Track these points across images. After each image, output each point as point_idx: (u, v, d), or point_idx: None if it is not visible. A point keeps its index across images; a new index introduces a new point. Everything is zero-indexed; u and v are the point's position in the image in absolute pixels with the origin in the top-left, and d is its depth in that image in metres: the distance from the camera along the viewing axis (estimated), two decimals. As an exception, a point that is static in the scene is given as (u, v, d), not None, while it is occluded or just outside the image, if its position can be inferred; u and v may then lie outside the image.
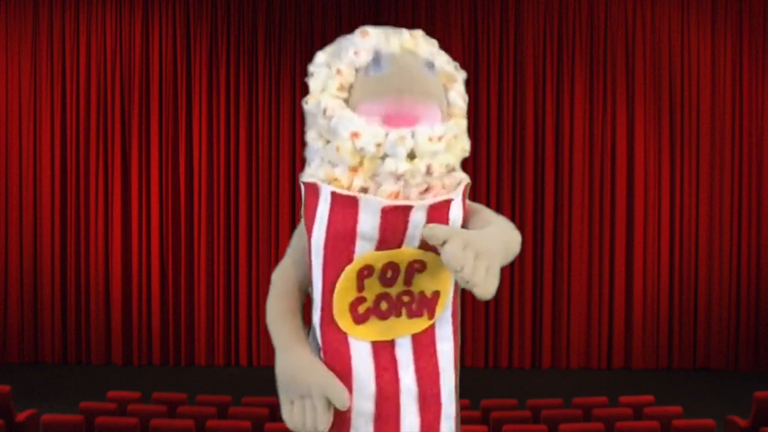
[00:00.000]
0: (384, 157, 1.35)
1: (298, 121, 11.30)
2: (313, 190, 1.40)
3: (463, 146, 1.43)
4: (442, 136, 1.38)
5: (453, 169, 1.42)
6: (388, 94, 1.37)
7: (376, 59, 1.40)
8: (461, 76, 1.48)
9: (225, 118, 11.37)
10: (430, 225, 1.30)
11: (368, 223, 1.36)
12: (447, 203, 1.39)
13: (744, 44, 11.21)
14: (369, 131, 1.35)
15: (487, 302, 11.22)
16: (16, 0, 11.30)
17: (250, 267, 11.30)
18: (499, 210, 12.07)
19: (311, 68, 1.44)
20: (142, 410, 7.06)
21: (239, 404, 7.63)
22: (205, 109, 11.33)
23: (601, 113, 11.31)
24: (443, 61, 1.46)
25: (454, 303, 1.47)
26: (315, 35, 11.33)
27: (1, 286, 11.30)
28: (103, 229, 11.28)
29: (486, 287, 1.24)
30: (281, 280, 1.50)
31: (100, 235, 11.27)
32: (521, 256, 11.15)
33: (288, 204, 11.32)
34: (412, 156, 1.36)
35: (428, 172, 1.37)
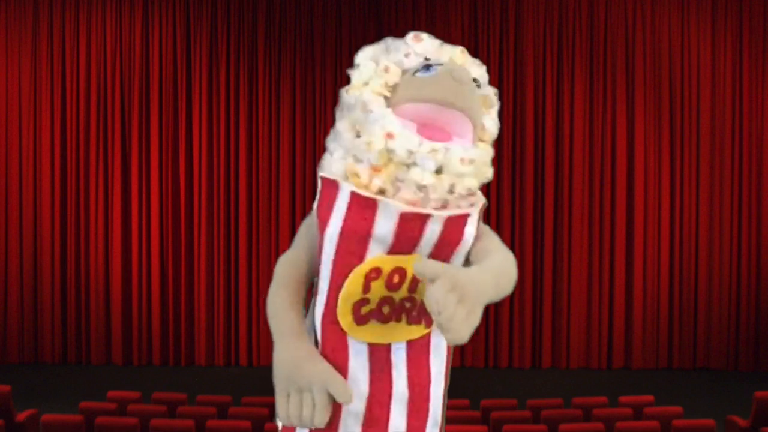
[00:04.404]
0: (411, 164, 1.35)
1: (298, 121, 11.30)
2: (332, 186, 1.39)
3: (488, 173, 1.42)
4: (473, 160, 1.37)
5: (473, 194, 1.42)
6: (431, 99, 1.36)
7: (427, 64, 1.39)
8: (497, 102, 1.47)
9: (225, 118, 11.37)
10: (423, 261, 1.29)
11: (384, 226, 1.35)
12: (464, 218, 1.39)
13: (744, 44, 11.21)
14: (404, 135, 1.34)
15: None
16: (16, 0, 11.30)
17: (250, 267, 11.30)
18: (499, 210, 12.08)
19: (357, 60, 1.43)
20: (142, 410, 7.06)
21: (239, 404, 7.63)
22: (205, 109, 11.32)
23: (601, 113, 11.30)
24: (487, 84, 1.45)
25: None
26: (315, 35, 11.33)
27: (1, 286, 11.30)
28: (103, 229, 11.28)
29: (459, 335, 1.22)
30: (285, 271, 1.47)
31: (100, 235, 11.27)
32: (521, 257, 11.15)
33: (288, 204, 11.31)
34: (439, 170, 1.35)
35: (450, 190, 1.36)
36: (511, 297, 11.16)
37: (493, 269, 1.34)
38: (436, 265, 1.26)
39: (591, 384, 10.33)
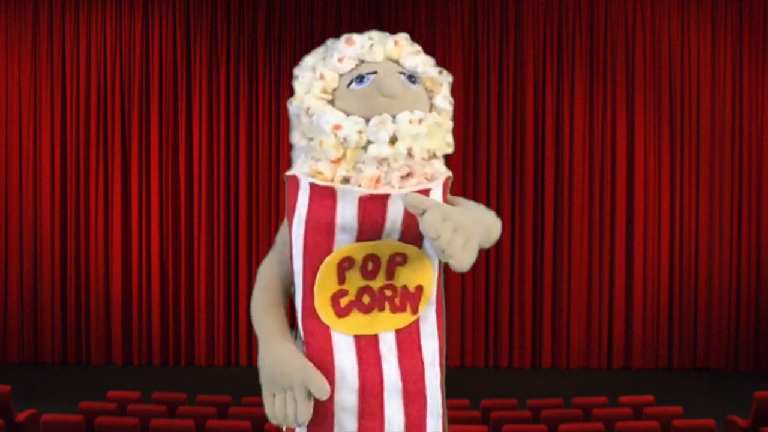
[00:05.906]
0: (367, 145, 1.37)
1: (298, 121, 11.29)
2: (294, 183, 1.42)
3: (446, 138, 1.44)
4: (422, 120, 1.39)
5: (434, 156, 1.43)
6: (364, 115, 1.41)
7: (360, 76, 1.41)
8: (447, 80, 1.49)
9: (225, 118, 11.37)
10: (413, 194, 1.31)
11: (346, 213, 1.37)
12: (425, 193, 1.39)
13: (744, 44, 11.21)
14: (350, 121, 1.38)
15: (487, 302, 11.22)
16: (16, 0, 11.30)
17: (250, 267, 11.29)
18: (499, 210, 12.08)
19: (296, 71, 1.48)
20: (142, 410, 7.06)
21: (239, 404, 7.64)
22: (205, 109, 11.33)
23: (601, 113, 11.30)
24: (428, 66, 1.47)
25: (438, 300, 1.47)
26: (315, 35, 11.32)
27: (1, 286, 11.30)
28: (103, 229, 11.28)
29: (462, 259, 1.25)
30: (266, 274, 1.52)
31: (100, 235, 11.27)
32: (521, 257, 11.16)
33: (288, 204, 11.30)
34: (393, 140, 1.37)
35: (409, 154, 1.38)
36: (510, 297, 11.17)
37: (478, 214, 1.39)
38: (425, 198, 1.30)
39: (591, 384, 10.33)
